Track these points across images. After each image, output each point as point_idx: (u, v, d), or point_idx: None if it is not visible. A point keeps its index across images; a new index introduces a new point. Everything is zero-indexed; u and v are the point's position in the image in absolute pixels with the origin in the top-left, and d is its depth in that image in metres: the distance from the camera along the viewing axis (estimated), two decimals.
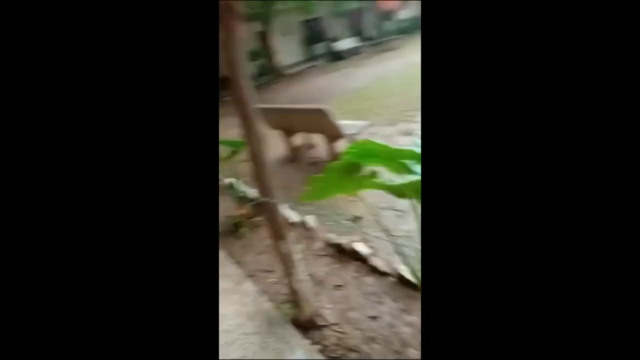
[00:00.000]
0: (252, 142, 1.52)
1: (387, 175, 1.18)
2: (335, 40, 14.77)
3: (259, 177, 1.56)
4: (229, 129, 5.88)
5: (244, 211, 2.78)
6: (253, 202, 2.77)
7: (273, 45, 12.55)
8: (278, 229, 1.60)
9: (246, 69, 1.45)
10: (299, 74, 12.34)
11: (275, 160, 4.10)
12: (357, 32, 15.60)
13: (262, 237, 2.54)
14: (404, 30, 14.47)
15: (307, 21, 14.52)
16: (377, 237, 2.23)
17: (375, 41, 13.55)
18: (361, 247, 2.11)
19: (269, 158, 1.58)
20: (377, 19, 15.35)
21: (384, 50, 12.15)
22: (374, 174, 1.17)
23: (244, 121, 1.51)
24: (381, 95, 5.99)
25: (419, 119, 4.20)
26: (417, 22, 15.36)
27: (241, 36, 1.37)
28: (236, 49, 1.38)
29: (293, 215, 2.67)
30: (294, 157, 4.08)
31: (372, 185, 1.19)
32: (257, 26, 11.81)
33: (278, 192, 1.61)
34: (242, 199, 2.96)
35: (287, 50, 14.17)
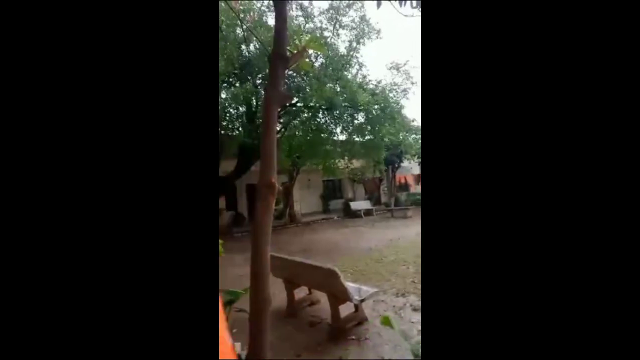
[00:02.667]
0: (257, 299, 1.44)
1: None
2: (352, 200, 16.05)
3: (254, 336, 1.41)
4: (229, 267, 5.78)
5: None
6: None
7: (294, 195, 13.71)
8: None
9: (269, 233, 1.52)
10: (314, 223, 12.91)
11: (272, 312, 3.79)
12: (373, 197, 17.07)
13: None
14: (416, 203, 15.72)
15: (329, 180, 16.26)
16: None
17: (390, 208, 14.59)
18: None
19: (268, 320, 1.46)
20: (394, 189, 17.03)
21: (396, 217, 12.89)
22: None
23: (254, 273, 1.48)
24: (392, 261, 5.96)
25: None
26: None
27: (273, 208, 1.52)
28: (268, 217, 1.49)
29: None
30: (293, 311, 3.78)
31: None
32: (283, 177, 13.26)
33: (268, 354, 1.41)
34: None
35: (306, 200, 15.35)
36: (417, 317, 3.44)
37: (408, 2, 2.65)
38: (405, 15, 2.34)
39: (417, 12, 2.38)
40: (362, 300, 3.19)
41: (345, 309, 3.24)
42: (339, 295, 3.15)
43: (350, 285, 3.18)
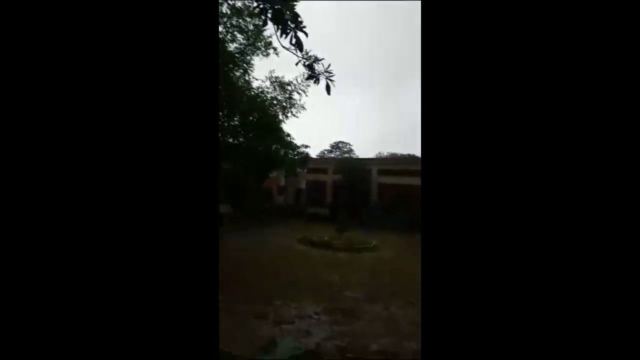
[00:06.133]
0: None
1: None
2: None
3: None
4: None
5: None
6: None
7: None
8: None
9: None
10: None
11: None
12: (237, 202, 16.78)
13: None
14: (278, 211, 16.30)
15: None
16: None
17: (252, 214, 14.62)
18: None
19: None
20: (259, 196, 17.16)
21: (257, 226, 13.05)
22: None
23: None
24: (248, 269, 5.98)
25: (277, 307, 4.21)
26: (292, 209, 17.72)
27: None
28: None
29: None
30: None
31: None
32: None
33: None
34: None
35: None
36: (255, 322, 3.53)
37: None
38: (284, 47, 2.53)
39: (293, 50, 2.57)
40: None
41: None
42: None
43: None
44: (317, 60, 2.62)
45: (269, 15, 2.39)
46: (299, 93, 9.62)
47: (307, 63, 2.65)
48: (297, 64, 2.71)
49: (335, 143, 26.80)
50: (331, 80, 2.55)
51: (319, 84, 2.66)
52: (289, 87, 9.68)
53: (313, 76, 2.62)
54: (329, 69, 2.62)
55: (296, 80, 9.51)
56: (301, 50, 2.54)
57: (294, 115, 10.19)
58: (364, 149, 57.39)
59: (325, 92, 2.57)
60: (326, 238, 9.13)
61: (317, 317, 3.93)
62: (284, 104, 9.74)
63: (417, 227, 12.42)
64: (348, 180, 16.46)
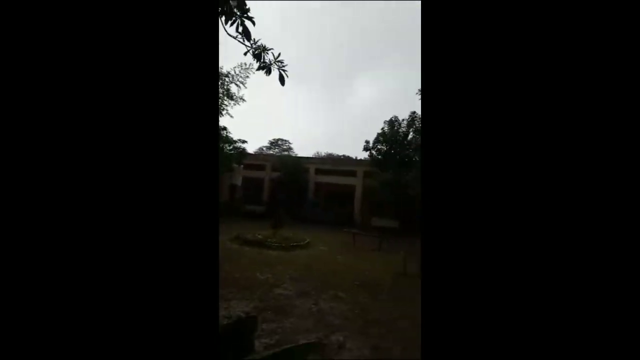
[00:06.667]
0: None
1: None
2: None
3: None
4: None
5: None
6: None
7: None
8: None
9: None
10: None
11: None
12: None
13: None
14: None
15: None
16: None
17: None
18: None
19: None
20: None
21: None
22: None
23: None
24: None
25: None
26: (226, 205, 17.05)
27: None
28: None
29: None
30: None
31: None
32: None
33: None
34: None
35: None
36: None
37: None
38: (229, 35, 2.39)
39: (240, 39, 2.47)
40: None
41: None
42: None
43: None
44: (265, 49, 2.52)
45: None
46: (237, 85, 9.30)
47: (256, 52, 2.52)
48: (245, 54, 2.57)
49: (274, 140, 26.53)
50: (284, 71, 2.46)
51: (271, 75, 2.55)
52: (227, 79, 9.31)
53: (264, 67, 2.52)
54: (280, 58, 2.52)
55: (234, 70, 9.17)
56: (249, 40, 2.41)
57: (228, 114, 9.82)
58: (302, 148, 57.91)
59: (276, 83, 2.48)
60: (260, 236, 8.98)
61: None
62: (221, 95, 9.33)
63: (349, 224, 12.94)
64: (287, 178, 16.42)
